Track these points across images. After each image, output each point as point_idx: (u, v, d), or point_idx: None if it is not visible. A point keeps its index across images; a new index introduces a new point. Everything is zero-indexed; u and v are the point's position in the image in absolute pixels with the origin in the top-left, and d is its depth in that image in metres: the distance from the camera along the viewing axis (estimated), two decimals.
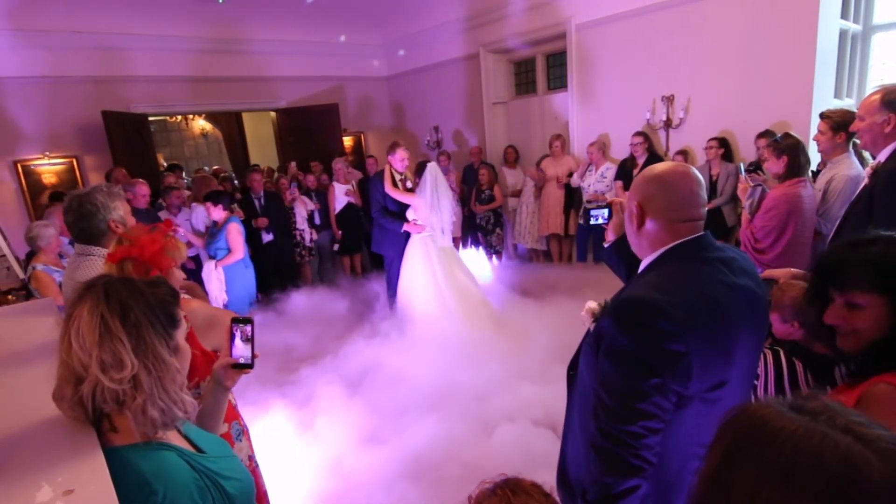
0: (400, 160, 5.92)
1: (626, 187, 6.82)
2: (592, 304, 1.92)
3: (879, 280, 1.50)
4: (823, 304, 1.66)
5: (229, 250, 5.54)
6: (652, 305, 1.50)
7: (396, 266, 6.05)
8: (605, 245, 2.33)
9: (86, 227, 2.63)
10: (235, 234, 5.53)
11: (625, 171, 6.92)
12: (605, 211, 2.35)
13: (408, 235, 5.95)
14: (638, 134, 6.77)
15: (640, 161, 6.74)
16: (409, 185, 5.97)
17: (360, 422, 4.27)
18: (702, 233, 1.68)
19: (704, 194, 1.70)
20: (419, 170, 5.91)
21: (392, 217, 5.96)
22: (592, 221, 2.39)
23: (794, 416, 0.80)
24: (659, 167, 1.75)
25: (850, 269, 1.56)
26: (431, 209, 5.80)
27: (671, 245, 1.66)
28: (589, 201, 7.19)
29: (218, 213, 5.65)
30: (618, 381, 1.52)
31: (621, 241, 2.19)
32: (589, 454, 1.59)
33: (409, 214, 5.89)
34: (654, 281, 1.61)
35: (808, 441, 0.76)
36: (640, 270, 1.75)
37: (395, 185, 5.92)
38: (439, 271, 5.83)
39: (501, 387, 4.56)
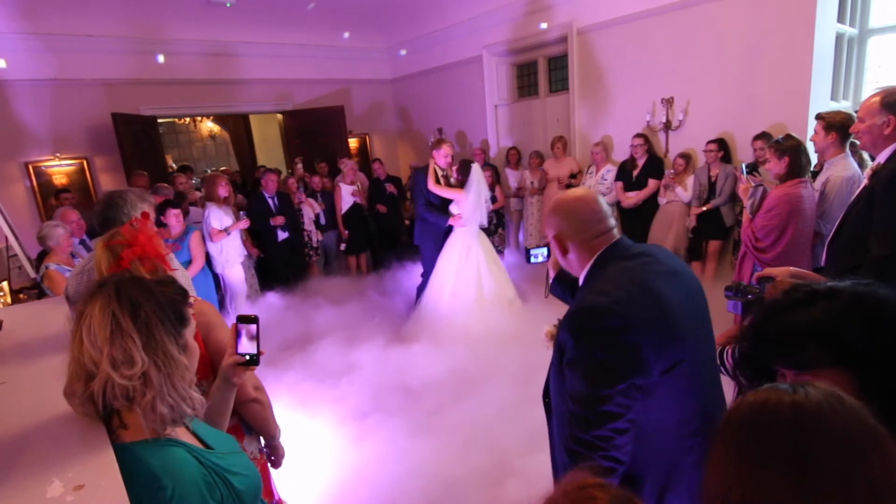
0: (444, 156, 6.01)
1: (627, 188, 6.83)
2: (548, 327, 2.16)
3: (838, 352, 1.14)
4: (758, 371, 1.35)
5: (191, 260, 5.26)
6: (599, 308, 1.63)
7: (435, 259, 6.17)
8: (549, 282, 2.47)
9: (110, 217, 2.70)
10: (199, 242, 5.29)
11: (625, 173, 6.91)
12: (544, 249, 2.47)
13: (449, 230, 6.07)
14: (638, 136, 6.76)
15: (640, 162, 6.73)
16: (451, 180, 6.06)
17: (362, 417, 4.28)
18: (617, 238, 1.84)
19: (605, 206, 1.88)
20: (464, 167, 6.00)
21: (436, 211, 6.06)
22: (532, 260, 2.51)
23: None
24: (560, 198, 1.94)
25: (799, 342, 1.19)
26: (476, 206, 5.96)
27: (596, 256, 1.82)
28: None
29: (181, 224, 5.29)
30: (581, 387, 1.62)
31: (561, 274, 2.41)
32: (564, 457, 1.70)
33: (454, 209, 5.99)
34: (594, 287, 1.75)
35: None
36: (580, 285, 1.90)
37: (437, 181, 6.02)
38: (481, 263, 5.98)
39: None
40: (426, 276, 6.34)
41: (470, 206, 5.93)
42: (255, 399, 2.12)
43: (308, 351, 5.49)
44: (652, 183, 6.68)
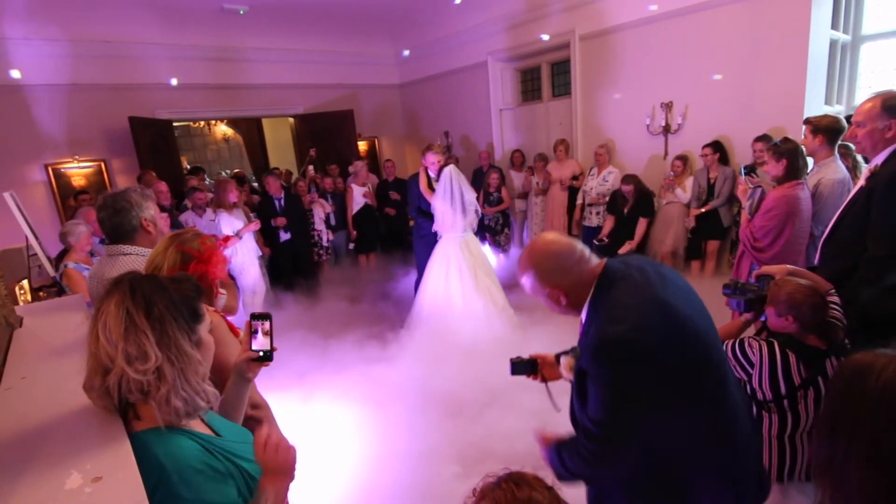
0: (431, 163, 5.73)
1: (617, 222, 6.77)
2: (565, 359, 2.08)
3: None
4: None
5: None
6: (622, 338, 1.55)
7: (425, 265, 5.91)
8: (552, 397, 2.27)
9: (119, 223, 2.59)
10: None
11: (615, 208, 6.84)
12: (528, 366, 2.28)
13: (436, 237, 5.80)
14: (628, 179, 6.58)
15: (631, 200, 6.62)
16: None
17: (356, 418, 4.23)
18: (603, 261, 1.77)
19: (571, 240, 1.80)
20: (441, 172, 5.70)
21: (425, 217, 5.88)
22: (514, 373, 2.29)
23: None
24: (533, 253, 1.80)
25: None
26: (452, 209, 5.59)
27: (594, 286, 1.72)
28: (591, 204, 7.18)
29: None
30: (603, 413, 1.61)
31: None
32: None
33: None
34: (608, 316, 1.63)
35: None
36: (584, 319, 1.77)
37: (429, 186, 5.75)
38: (466, 272, 5.63)
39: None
40: (419, 283, 6.08)
41: (441, 208, 5.61)
42: (251, 417, 2.02)
43: (301, 351, 5.39)
44: (642, 223, 6.60)
